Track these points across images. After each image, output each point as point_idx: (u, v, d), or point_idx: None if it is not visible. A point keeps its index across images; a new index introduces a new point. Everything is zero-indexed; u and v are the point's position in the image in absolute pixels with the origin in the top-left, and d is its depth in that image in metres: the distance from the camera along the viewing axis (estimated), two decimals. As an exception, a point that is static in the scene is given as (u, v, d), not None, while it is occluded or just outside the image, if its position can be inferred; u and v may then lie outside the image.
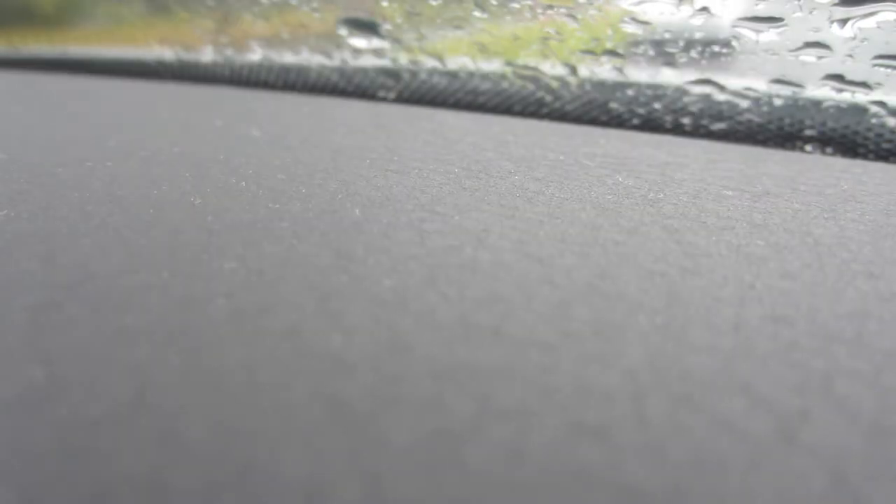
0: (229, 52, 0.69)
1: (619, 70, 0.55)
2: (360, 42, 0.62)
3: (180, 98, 0.59)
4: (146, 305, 0.24)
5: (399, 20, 0.62)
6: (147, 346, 0.21)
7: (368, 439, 0.18)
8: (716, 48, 0.52)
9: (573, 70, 0.56)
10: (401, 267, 0.27)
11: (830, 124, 0.47)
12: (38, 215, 0.32)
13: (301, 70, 0.65)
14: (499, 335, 0.22)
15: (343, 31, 0.63)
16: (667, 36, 0.53)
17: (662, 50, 0.53)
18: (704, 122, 0.51)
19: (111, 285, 0.25)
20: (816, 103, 0.48)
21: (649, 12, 0.53)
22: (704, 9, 0.50)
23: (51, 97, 0.59)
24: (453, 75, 0.60)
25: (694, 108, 0.51)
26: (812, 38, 0.47)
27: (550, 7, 0.57)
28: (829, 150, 0.48)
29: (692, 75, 0.52)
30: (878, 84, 0.47)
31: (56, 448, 0.17)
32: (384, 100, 0.60)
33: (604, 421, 0.19)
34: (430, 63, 0.61)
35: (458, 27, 0.60)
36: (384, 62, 0.62)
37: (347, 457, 0.17)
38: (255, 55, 0.68)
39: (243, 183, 0.36)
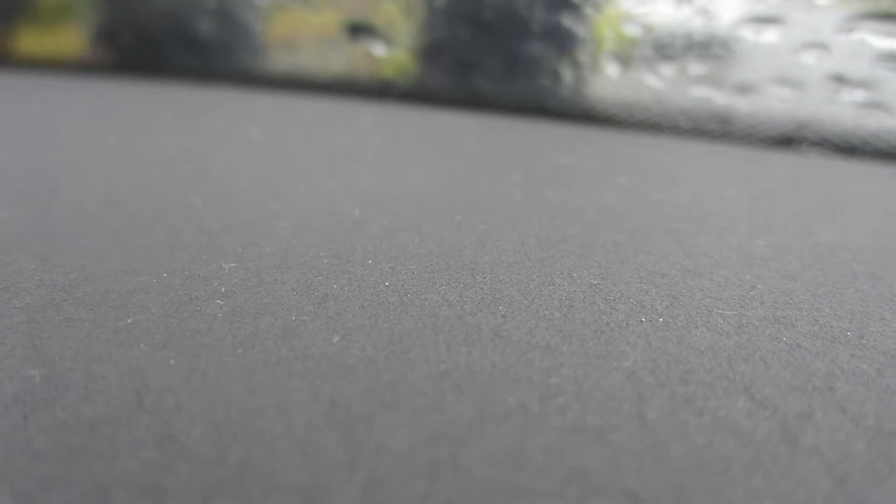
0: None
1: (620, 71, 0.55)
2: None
3: (179, 98, 0.59)
4: (145, 306, 0.24)
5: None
6: (145, 346, 0.21)
7: (367, 442, 0.18)
8: (715, 49, 0.52)
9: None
10: (400, 268, 0.27)
11: (830, 125, 0.47)
12: (36, 215, 0.31)
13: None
14: (499, 336, 0.22)
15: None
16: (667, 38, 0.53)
17: (662, 52, 0.53)
18: (704, 123, 0.51)
19: (110, 286, 0.25)
20: (816, 104, 0.48)
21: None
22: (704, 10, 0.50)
23: (49, 98, 0.58)
24: None
25: (694, 110, 0.51)
26: (812, 38, 0.47)
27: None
28: (828, 150, 0.47)
29: (692, 77, 0.52)
30: (878, 84, 0.47)
31: (52, 449, 0.17)
32: (384, 100, 0.60)
33: (604, 423, 0.19)
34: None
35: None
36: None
37: (345, 459, 0.17)
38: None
39: (243, 183, 0.36)
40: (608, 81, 0.55)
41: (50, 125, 0.49)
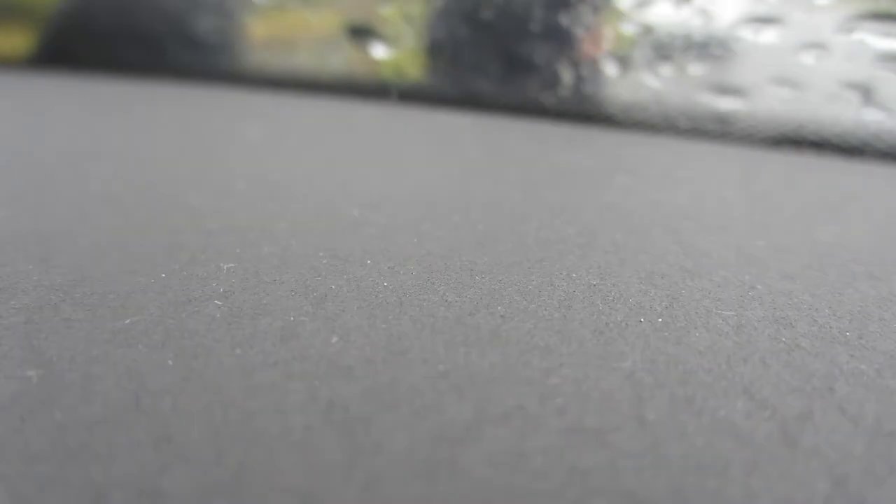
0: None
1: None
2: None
3: (178, 98, 0.59)
4: (142, 307, 0.24)
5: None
6: (143, 347, 0.21)
7: (365, 443, 0.18)
8: (714, 50, 0.52)
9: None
10: (399, 268, 0.27)
11: (830, 125, 0.47)
12: (34, 215, 0.31)
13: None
14: (498, 337, 0.22)
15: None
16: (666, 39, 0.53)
17: (662, 52, 0.53)
18: (704, 123, 0.51)
19: (107, 286, 0.25)
20: (816, 104, 0.48)
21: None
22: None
23: (47, 98, 0.58)
24: None
25: (695, 111, 0.51)
26: (812, 38, 0.47)
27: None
28: (828, 150, 0.47)
29: (691, 77, 0.52)
30: (878, 84, 0.47)
31: (50, 450, 0.17)
32: (383, 100, 0.60)
33: (603, 424, 0.19)
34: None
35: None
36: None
37: (344, 460, 0.17)
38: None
39: (241, 183, 0.36)
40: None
41: (46, 125, 0.49)
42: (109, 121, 0.51)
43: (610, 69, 0.55)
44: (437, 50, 0.62)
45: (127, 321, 0.23)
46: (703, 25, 0.51)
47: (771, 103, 0.49)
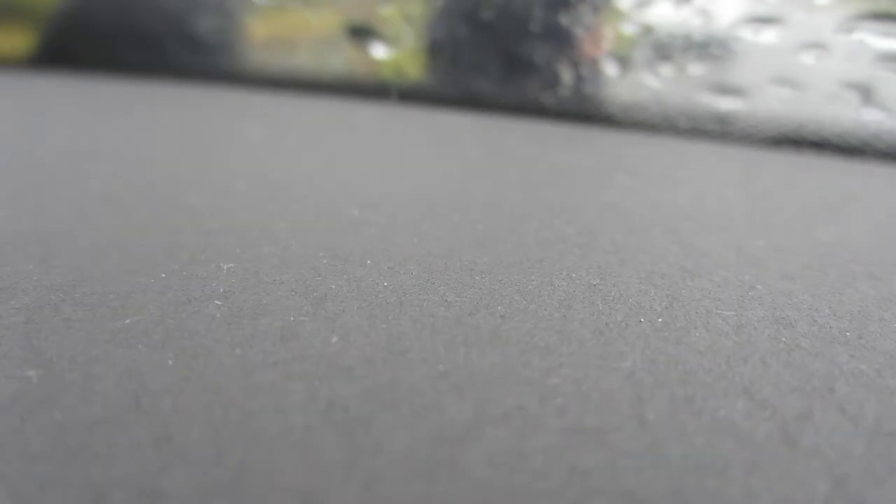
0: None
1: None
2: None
3: (178, 98, 0.59)
4: (143, 307, 0.24)
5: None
6: (143, 347, 0.21)
7: (365, 443, 0.18)
8: (714, 50, 0.52)
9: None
10: (399, 268, 0.27)
11: (830, 125, 0.47)
12: (34, 215, 0.31)
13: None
14: (498, 337, 0.22)
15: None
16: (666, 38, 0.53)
17: (662, 52, 0.53)
18: (704, 123, 0.51)
19: (107, 286, 0.25)
20: (816, 104, 0.48)
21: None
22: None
23: (47, 98, 0.58)
24: None
25: (695, 111, 0.51)
26: (812, 38, 0.47)
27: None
28: (828, 150, 0.47)
29: (691, 77, 0.52)
30: (878, 84, 0.47)
31: (50, 450, 0.17)
32: (383, 100, 0.60)
33: (603, 424, 0.19)
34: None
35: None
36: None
37: (344, 460, 0.17)
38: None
39: (241, 183, 0.36)
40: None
41: (46, 125, 0.49)
42: (109, 121, 0.51)
43: (610, 69, 0.55)
44: (437, 50, 0.62)
45: (127, 321, 0.23)
46: (703, 25, 0.51)
47: (771, 103, 0.49)
